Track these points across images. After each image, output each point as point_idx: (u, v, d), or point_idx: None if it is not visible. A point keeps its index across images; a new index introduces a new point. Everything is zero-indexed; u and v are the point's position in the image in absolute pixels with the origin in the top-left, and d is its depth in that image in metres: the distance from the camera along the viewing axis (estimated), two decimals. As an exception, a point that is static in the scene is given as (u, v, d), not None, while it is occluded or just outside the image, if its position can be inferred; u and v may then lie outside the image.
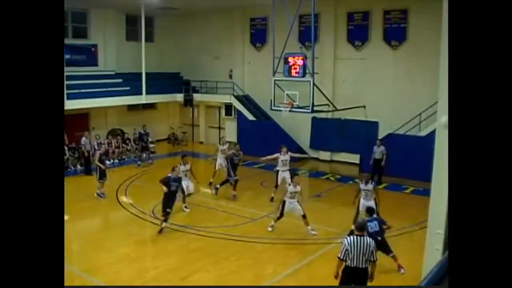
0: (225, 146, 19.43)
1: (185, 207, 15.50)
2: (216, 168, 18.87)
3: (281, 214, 13.47)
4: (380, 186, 18.71)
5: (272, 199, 16.74)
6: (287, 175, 16.68)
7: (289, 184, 13.88)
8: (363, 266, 8.04)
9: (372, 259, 8.08)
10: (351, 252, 7.96)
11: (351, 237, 8.07)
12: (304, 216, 13.45)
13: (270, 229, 13.68)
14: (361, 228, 8.18)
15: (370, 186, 13.75)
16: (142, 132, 23.93)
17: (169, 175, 14.00)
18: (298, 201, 13.49)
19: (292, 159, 17.61)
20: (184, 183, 14.96)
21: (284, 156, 16.93)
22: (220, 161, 18.76)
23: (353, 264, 7.99)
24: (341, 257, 8.08)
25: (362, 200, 13.60)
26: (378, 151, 19.23)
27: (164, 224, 13.54)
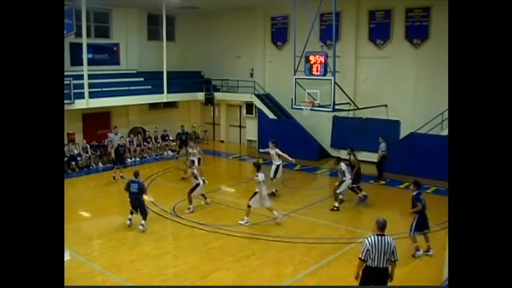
0: (195, 150, 19.79)
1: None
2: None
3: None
4: (402, 186, 18.57)
5: (272, 194, 16.95)
6: (273, 168, 17.45)
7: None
8: (384, 266, 7.94)
9: (392, 259, 8.00)
10: (372, 252, 7.85)
11: (372, 237, 7.95)
12: (248, 206, 14.29)
13: (279, 220, 14.31)
14: (382, 228, 8.08)
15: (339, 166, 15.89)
16: (180, 131, 24.48)
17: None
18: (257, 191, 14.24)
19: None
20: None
21: (271, 150, 17.42)
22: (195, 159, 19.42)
23: (374, 264, 7.89)
24: (362, 258, 7.95)
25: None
26: (379, 148, 19.46)
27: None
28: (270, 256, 11.95)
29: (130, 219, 13.95)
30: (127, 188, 13.83)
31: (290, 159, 17.34)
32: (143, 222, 13.66)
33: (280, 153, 17.28)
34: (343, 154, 23.79)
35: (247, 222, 14.22)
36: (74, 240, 12.28)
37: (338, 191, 15.76)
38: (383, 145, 19.34)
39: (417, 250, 11.69)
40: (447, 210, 9.63)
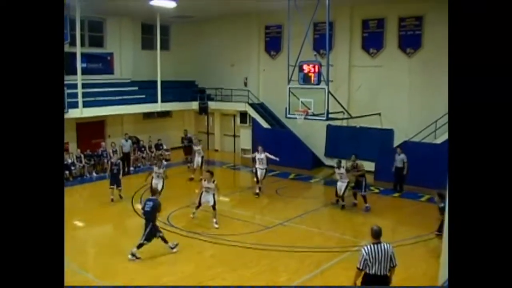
0: (199, 147, 21.94)
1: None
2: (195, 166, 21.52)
3: (199, 204, 15.09)
4: (396, 194, 18.63)
5: (257, 194, 18.54)
6: (262, 172, 18.69)
7: (205, 180, 15.15)
8: (383, 273, 7.87)
9: (392, 265, 7.94)
10: (370, 261, 7.81)
11: (369, 246, 7.90)
12: (213, 207, 14.89)
13: (192, 215, 15.31)
14: (377, 236, 8.04)
15: (342, 170, 16.77)
16: (183, 136, 25.09)
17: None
18: (213, 194, 14.94)
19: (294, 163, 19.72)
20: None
21: (259, 155, 18.59)
22: (198, 159, 21.47)
23: (373, 272, 7.84)
24: (360, 267, 7.90)
25: (338, 182, 16.94)
26: (399, 159, 19.02)
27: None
28: (265, 265, 11.93)
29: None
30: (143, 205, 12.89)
31: (275, 158, 18.87)
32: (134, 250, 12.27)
33: (269, 155, 18.65)
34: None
35: (194, 214, 15.30)
36: (68, 249, 12.19)
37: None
38: (403, 156, 19.03)
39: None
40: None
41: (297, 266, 11.94)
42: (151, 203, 12.45)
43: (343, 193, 16.70)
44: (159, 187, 16.03)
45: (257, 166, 18.73)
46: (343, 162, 17.36)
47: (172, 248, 12.63)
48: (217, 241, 13.55)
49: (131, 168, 23.26)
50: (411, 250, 12.76)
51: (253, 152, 19.49)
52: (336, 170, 17.03)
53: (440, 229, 11.92)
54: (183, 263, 12.01)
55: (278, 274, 11.49)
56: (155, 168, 17.38)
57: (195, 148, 21.91)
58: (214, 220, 14.76)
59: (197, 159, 21.41)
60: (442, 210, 11.94)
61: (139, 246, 12.20)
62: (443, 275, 8.83)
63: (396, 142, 21.22)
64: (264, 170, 18.69)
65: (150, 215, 12.42)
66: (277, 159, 18.87)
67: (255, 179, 18.83)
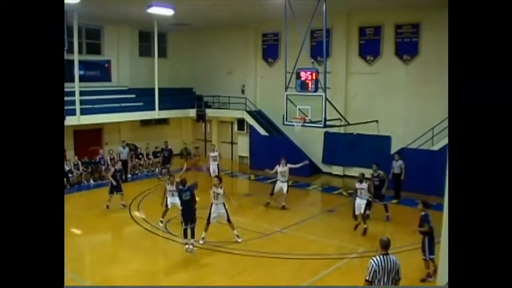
0: (216, 153, 21.39)
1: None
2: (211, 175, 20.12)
3: (208, 221, 13.84)
4: (394, 201, 18.60)
5: (267, 204, 18.03)
6: (284, 185, 17.86)
7: (213, 185, 13.97)
8: (389, 285, 7.73)
9: (397, 278, 7.76)
10: (379, 273, 7.57)
11: (378, 257, 7.66)
12: (228, 221, 13.97)
13: (201, 241, 13.71)
14: (386, 247, 7.90)
15: (364, 185, 15.01)
16: (164, 147, 24.44)
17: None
18: (223, 204, 13.93)
19: (293, 171, 18.48)
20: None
21: (281, 168, 17.85)
22: (213, 167, 20.94)
23: (380, 284, 7.63)
24: (369, 279, 7.62)
25: (357, 199, 15.06)
26: (397, 166, 18.97)
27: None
28: (262, 272, 11.92)
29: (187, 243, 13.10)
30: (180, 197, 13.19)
31: (303, 163, 18.66)
32: (192, 241, 13.01)
33: (292, 166, 18.11)
34: (335, 170, 23.96)
35: (203, 239, 13.87)
36: (66, 257, 12.16)
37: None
38: (401, 162, 18.93)
39: (429, 276, 11.48)
40: (437, 225, 9.69)
41: (295, 273, 11.94)
42: (188, 192, 12.93)
43: (364, 212, 14.88)
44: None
45: (278, 178, 17.96)
46: (366, 175, 15.71)
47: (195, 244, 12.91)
48: (214, 249, 13.53)
49: (129, 176, 23.21)
50: (408, 257, 12.72)
51: (273, 167, 18.08)
52: (357, 185, 15.19)
53: (425, 253, 11.51)
54: (180, 271, 11.99)
55: (276, 281, 11.47)
56: (169, 187, 15.83)
57: (211, 154, 21.34)
58: (235, 233, 14.07)
59: (213, 168, 21.00)
60: (423, 220, 11.45)
61: (192, 234, 13.01)
62: (440, 281, 8.83)
63: (394, 149, 21.21)
64: (286, 183, 17.89)
65: (190, 203, 12.98)
66: (306, 162, 19.03)
67: (271, 191, 18.09)
